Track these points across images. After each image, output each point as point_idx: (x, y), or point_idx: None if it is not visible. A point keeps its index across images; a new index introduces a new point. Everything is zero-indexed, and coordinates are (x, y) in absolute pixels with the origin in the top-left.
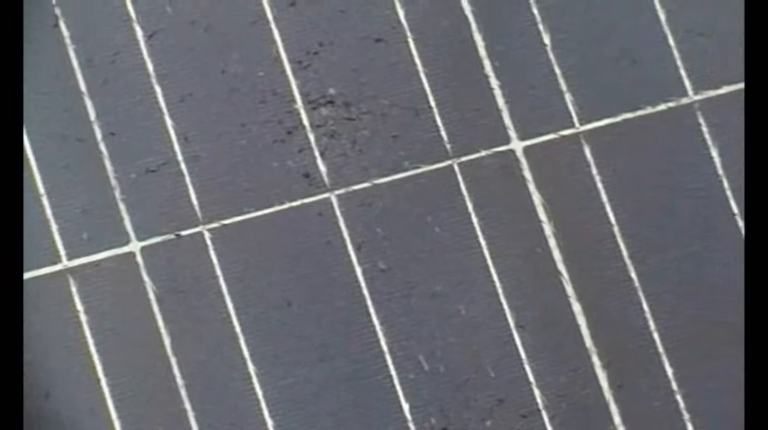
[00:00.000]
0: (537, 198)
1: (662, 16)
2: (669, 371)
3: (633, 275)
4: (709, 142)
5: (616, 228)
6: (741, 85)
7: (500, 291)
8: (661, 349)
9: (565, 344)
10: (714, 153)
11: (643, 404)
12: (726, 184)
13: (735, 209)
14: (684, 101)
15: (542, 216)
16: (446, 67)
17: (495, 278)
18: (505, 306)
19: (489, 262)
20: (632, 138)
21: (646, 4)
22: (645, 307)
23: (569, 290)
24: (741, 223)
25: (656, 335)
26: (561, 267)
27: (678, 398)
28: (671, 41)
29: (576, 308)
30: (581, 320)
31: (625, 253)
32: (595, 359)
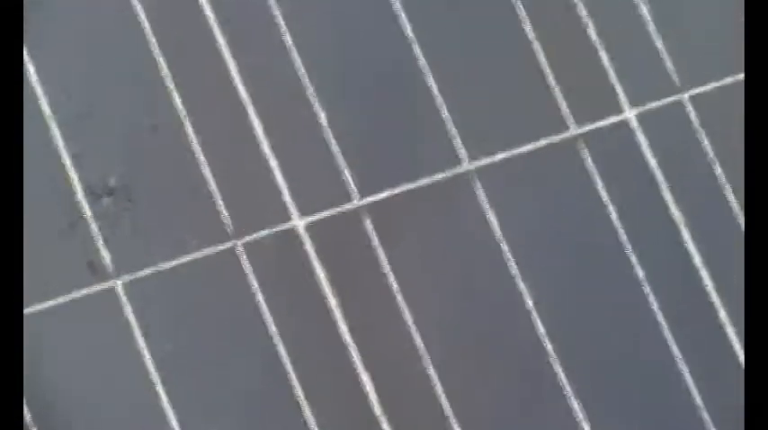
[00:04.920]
0: (321, 273)
1: (434, 87)
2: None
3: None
4: (487, 209)
5: (400, 298)
6: (518, 150)
7: (287, 363)
8: (454, 422)
9: (352, 412)
10: (493, 219)
11: None
12: (505, 247)
13: (513, 270)
14: (461, 169)
15: (327, 290)
16: (224, 148)
17: (283, 352)
18: (293, 376)
19: (276, 338)
20: (413, 209)
21: (420, 77)
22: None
23: (356, 359)
24: (522, 284)
25: (443, 400)
26: (347, 339)
27: None
28: (445, 112)
29: (365, 377)
30: (369, 388)
31: (410, 320)
32: (385, 427)
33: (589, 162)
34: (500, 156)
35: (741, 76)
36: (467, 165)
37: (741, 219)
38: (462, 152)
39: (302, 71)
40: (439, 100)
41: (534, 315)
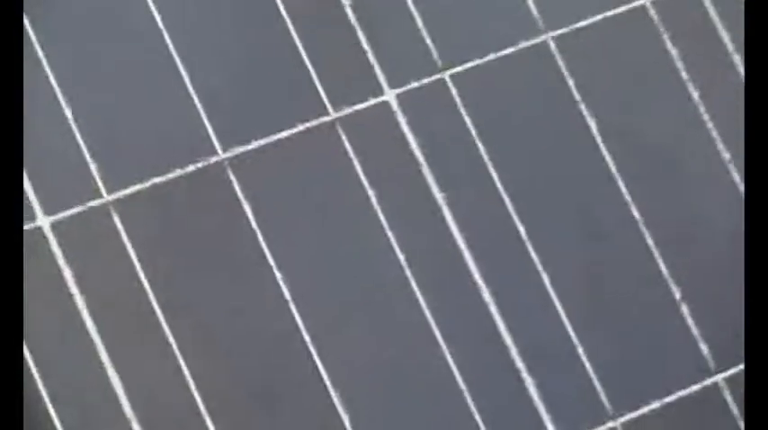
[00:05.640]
0: (67, 272)
1: (189, 82)
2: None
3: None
4: (242, 198)
5: (148, 288)
6: (276, 136)
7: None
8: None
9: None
10: (247, 208)
11: None
12: (261, 235)
13: (271, 263)
14: (214, 159)
15: (73, 289)
16: None
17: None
18: (41, 387)
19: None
20: (164, 202)
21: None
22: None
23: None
24: (278, 273)
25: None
26: (95, 337)
27: None
28: (196, 102)
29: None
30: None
31: (160, 316)
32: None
33: (348, 145)
34: (255, 143)
35: (501, 53)
36: (221, 155)
37: (506, 199)
38: (215, 142)
39: None
40: (191, 89)
41: (291, 306)
